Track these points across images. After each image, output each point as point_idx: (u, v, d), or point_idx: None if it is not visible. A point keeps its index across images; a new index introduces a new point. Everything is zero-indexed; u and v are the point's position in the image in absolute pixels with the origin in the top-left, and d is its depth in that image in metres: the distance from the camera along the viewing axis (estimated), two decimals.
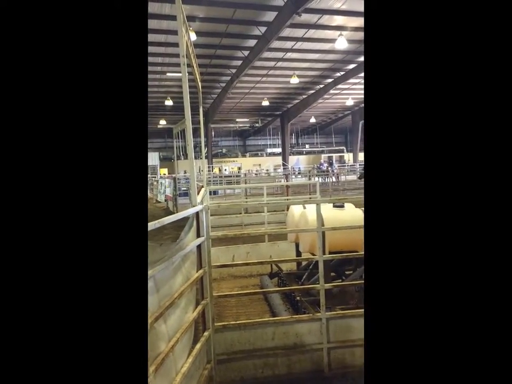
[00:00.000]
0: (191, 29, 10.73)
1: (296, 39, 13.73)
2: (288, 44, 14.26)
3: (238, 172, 25.87)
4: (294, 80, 17.52)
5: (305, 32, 13.06)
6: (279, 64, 16.68)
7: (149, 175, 22.86)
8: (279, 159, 29.09)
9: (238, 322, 3.06)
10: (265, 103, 22.80)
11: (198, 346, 2.57)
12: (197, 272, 2.76)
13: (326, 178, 20.43)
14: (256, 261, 4.86)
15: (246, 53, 14.66)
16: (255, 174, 22.82)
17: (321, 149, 36.87)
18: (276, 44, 13.36)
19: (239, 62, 15.94)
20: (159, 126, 27.37)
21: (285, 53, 15.31)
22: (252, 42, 13.83)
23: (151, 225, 1.93)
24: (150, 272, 1.86)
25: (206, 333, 2.79)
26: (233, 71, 16.93)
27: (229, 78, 17.92)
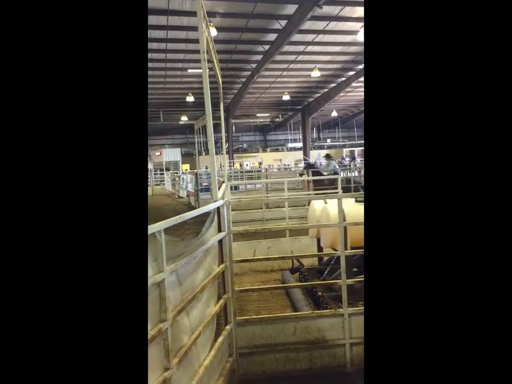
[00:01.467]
0: (211, 24, 10.75)
1: (317, 32, 13.55)
2: (309, 37, 14.10)
3: (259, 167, 25.88)
4: (315, 74, 17.31)
5: (327, 25, 12.87)
6: (300, 57, 16.52)
7: (171, 171, 23.15)
8: (300, 154, 28.90)
9: (259, 316, 3.07)
10: (286, 97, 22.65)
11: (220, 339, 2.60)
12: (218, 266, 2.79)
13: (348, 173, 20.16)
14: (277, 256, 4.86)
15: (267, 47, 14.59)
16: (277, 169, 22.76)
17: (343, 143, 36.37)
18: (296, 37, 13.24)
19: (259, 57, 15.88)
20: (180, 122, 27.65)
21: (305, 46, 15.15)
22: (272, 36, 13.74)
23: (173, 220, 1.96)
24: (172, 266, 1.89)
25: (228, 327, 2.82)
26: (254, 65, 16.88)
27: (249, 73, 17.89)
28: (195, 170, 14.66)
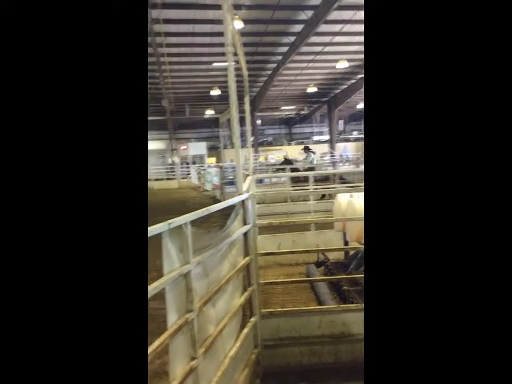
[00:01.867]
0: (237, 17, 10.73)
1: (344, 22, 13.28)
2: (336, 27, 13.84)
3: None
4: (342, 65, 16.99)
5: (354, 14, 12.58)
6: (327, 48, 16.26)
7: (197, 164, 23.43)
8: (326, 147, 28.56)
9: (284, 309, 3.08)
10: (312, 89, 22.37)
11: (245, 331, 2.63)
12: (243, 259, 2.81)
13: None
14: (302, 249, 4.84)
15: (292, 38, 14.44)
16: (303, 162, 22.56)
17: None
18: (323, 27, 13.01)
19: (285, 49, 15.74)
20: (205, 116, 27.87)
21: (332, 37, 14.88)
22: (298, 28, 13.58)
23: (199, 213, 1.99)
24: (199, 258, 1.92)
25: (252, 319, 2.84)
26: (279, 57, 16.75)
27: (275, 65, 17.77)
28: (220, 164, 14.75)
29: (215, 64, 17.30)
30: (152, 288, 1.50)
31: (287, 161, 13.48)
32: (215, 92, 20.84)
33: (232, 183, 12.61)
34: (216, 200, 12.31)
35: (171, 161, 26.01)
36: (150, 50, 16.09)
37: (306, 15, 12.28)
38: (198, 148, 27.14)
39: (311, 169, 10.94)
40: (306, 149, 12.05)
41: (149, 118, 28.77)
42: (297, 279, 4.73)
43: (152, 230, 1.54)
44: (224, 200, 3.19)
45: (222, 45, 14.22)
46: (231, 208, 2.93)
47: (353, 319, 2.96)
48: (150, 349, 1.45)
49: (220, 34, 12.86)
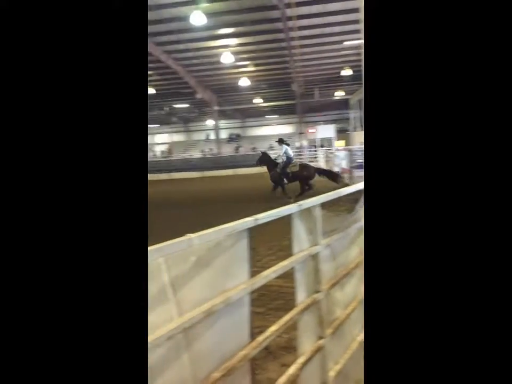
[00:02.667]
0: None
1: None
2: None
3: None
4: None
5: None
6: None
7: (324, 148, 23.23)
8: None
9: None
10: None
11: None
12: None
13: None
14: None
15: None
16: None
17: None
18: None
19: None
20: (335, 98, 27.27)
21: None
22: None
23: (329, 196, 1.99)
24: (327, 240, 1.93)
25: None
26: None
27: None
28: (349, 147, 14.35)
29: (346, 43, 16.68)
30: (281, 266, 1.58)
31: (264, 156, 10.71)
32: (346, 72, 20.16)
33: (361, 166, 12.18)
34: (344, 184, 12.08)
35: (299, 144, 26.38)
36: (281, 36, 16.41)
37: None
38: (326, 130, 26.81)
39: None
40: (281, 142, 10.72)
41: (278, 103, 29.67)
42: None
43: (283, 210, 1.61)
44: (353, 184, 3.10)
45: (354, 22, 13.61)
46: (361, 192, 2.84)
47: None
48: (280, 323, 1.54)
49: (354, 10, 12.31)
